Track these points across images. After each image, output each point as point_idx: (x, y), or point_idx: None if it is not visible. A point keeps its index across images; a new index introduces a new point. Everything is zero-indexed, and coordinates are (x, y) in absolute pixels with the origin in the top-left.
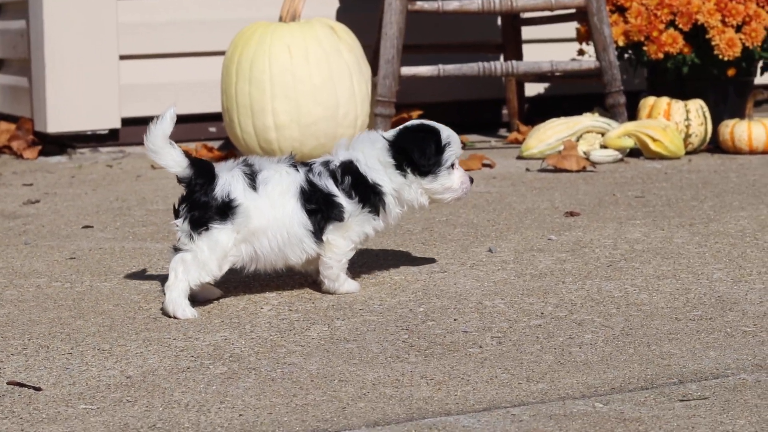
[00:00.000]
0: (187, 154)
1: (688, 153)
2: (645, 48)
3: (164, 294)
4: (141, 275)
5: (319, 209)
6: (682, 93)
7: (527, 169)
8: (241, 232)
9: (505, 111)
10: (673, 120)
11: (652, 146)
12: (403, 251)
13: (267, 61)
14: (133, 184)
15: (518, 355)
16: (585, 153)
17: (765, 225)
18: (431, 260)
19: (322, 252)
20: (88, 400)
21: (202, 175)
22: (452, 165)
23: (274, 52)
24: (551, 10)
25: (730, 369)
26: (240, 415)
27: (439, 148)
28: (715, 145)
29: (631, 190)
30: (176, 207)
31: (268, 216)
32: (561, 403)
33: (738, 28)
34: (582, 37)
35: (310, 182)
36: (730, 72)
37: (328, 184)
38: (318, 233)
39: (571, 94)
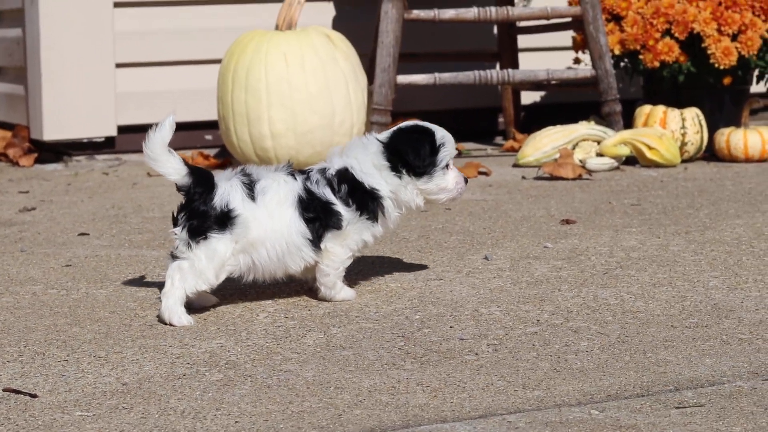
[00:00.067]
0: (186, 162)
1: (684, 161)
2: (641, 56)
3: (160, 301)
4: (137, 283)
5: (317, 217)
6: (678, 101)
7: (523, 177)
8: (239, 243)
9: (501, 119)
10: (669, 128)
11: (648, 154)
12: (399, 259)
13: (263, 70)
14: (129, 192)
15: (514, 362)
16: (581, 161)
17: (761, 233)
18: (427, 268)
19: (320, 260)
20: (84, 407)
21: (201, 183)
22: (447, 165)
23: (270, 61)
24: (547, 18)
25: (726, 376)
26: (236, 422)
27: (434, 149)
28: (710, 154)
29: (627, 198)
30: (175, 215)
31: (266, 227)
32: (557, 410)
33: (734, 37)
34: (578, 45)
35: (307, 190)
36: (726, 80)
37: (326, 192)
38: (316, 241)
39: (567, 102)
